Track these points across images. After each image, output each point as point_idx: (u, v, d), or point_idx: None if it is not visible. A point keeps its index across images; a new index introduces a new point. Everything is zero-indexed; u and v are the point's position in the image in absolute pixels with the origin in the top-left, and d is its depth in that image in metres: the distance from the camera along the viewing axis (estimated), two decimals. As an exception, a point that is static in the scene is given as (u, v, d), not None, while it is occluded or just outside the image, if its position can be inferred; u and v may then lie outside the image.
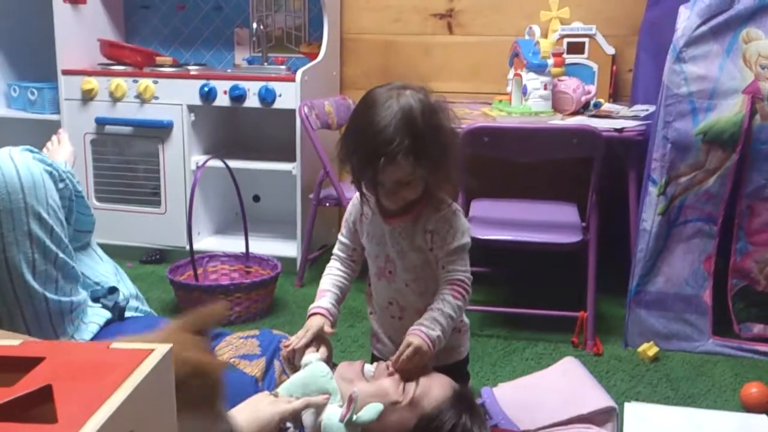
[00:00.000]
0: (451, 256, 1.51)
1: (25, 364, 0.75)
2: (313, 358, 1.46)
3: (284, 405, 1.33)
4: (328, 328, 1.54)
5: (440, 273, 1.51)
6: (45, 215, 1.51)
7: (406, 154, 1.38)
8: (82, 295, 1.64)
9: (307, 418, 1.39)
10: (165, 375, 0.80)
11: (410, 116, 1.39)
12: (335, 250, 1.70)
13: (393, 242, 1.54)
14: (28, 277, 1.50)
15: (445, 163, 1.44)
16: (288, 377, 1.51)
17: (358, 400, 1.34)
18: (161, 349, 0.80)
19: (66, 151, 1.98)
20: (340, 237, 1.69)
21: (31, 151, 1.57)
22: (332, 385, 1.39)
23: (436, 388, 1.39)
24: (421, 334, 1.42)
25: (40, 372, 0.74)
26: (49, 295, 1.53)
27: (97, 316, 1.67)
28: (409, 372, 1.40)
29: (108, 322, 1.68)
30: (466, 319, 1.67)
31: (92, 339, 1.61)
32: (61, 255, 1.55)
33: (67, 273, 1.58)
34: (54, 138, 2.04)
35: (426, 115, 1.41)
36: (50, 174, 1.56)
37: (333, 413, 1.35)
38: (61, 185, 1.59)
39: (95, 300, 1.71)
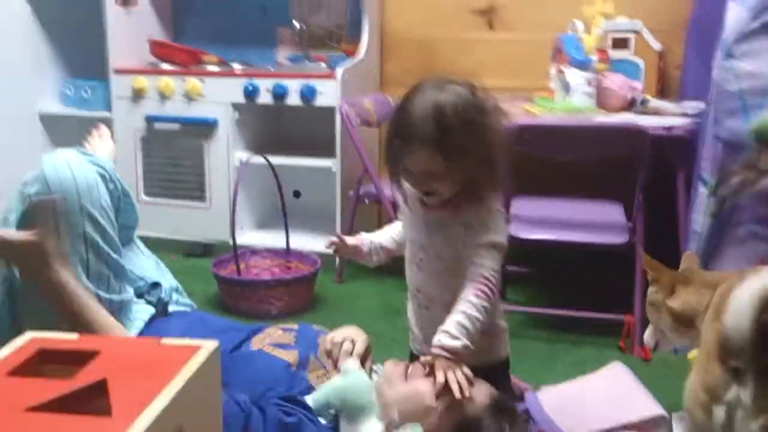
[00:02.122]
0: (481, 250, 1.48)
1: (81, 358, 0.78)
2: (354, 366, 1.45)
3: None
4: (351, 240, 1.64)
5: (468, 267, 1.48)
6: (98, 217, 1.56)
7: (429, 146, 1.39)
8: (130, 292, 1.68)
9: (344, 429, 1.38)
10: (213, 371, 0.81)
11: (442, 110, 1.39)
12: None
13: (428, 231, 1.54)
14: (83, 277, 1.54)
15: (484, 160, 1.43)
16: (324, 370, 1.52)
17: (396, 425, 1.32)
18: (209, 346, 0.82)
19: (108, 146, 2.00)
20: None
21: (85, 154, 1.62)
22: (371, 400, 1.37)
23: (475, 394, 1.35)
24: (441, 352, 1.38)
25: (95, 366, 0.76)
26: (101, 293, 1.57)
27: (141, 312, 1.71)
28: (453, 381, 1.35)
29: (152, 318, 1.71)
30: (503, 323, 1.64)
31: (138, 335, 1.64)
32: (113, 255, 1.60)
33: (117, 272, 1.62)
34: (95, 133, 2.04)
35: (461, 110, 1.40)
36: (102, 176, 1.60)
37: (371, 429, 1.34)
38: (111, 186, 1.64)
39: (139, 296, 1.75)
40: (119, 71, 3.11)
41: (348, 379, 1.42)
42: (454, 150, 1.40)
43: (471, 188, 1.47)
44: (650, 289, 1.60)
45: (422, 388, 1.36)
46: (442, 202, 1.50)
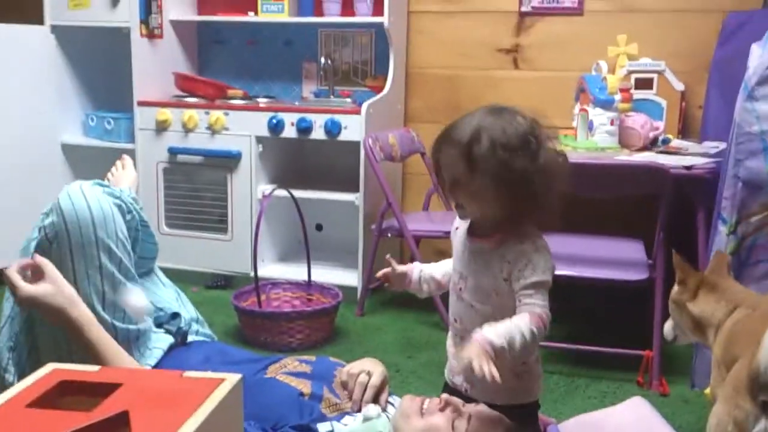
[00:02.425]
0: (528, 290, 1.45)
1: (103, 390, 0.79)
2: (375, 413, 1.45)
3: None
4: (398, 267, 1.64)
5: (518, 307, 1.46)
6: (114, 248, 1.57)
7: (456, 149, 1.42)
8: (148, 322, 1.69)
9: None
10: (235, 404, 0.82)
11: (483, 125, 1.42)
12: None
13: (470, 260, 1.53)
14: (98, 308, 1.56)
15: (526, 195, 1.41)
16: (337, 401, 1.52)
17: None
18: (232, 379, 0.83)
19: (130, 176, 2.04)
20: None
21: (101, 185, 1.63)
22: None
23: (488, 426, 1.36)
24: (481, 340, 1.36)
25: (117, 398, 0.78)
26: (117, 323, 1.58)
27: (160, 341, 1.72)
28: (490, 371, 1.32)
29: (171, 347, 1.72)
30: (539, 368, 1.60)
31: (156, 364, 1.65)
32: (128, 285, 1.61)
33: None
34: (118, 163, 2.09)
35: (504, 134, 1.41)
36: (119, 207, 1.62)
37: None
38: (128, 216, 1.65)
39: (158, 325, 1.76)
40: (143, 103, 3.17)
41: (368, 426, 1.42)
42: (482, 166, 1.39)
43: (513, 222, 1.46)
44: (676, 288, 1.69)
45: (438, 423, 1.35)
46: (487, 233, 1.50)
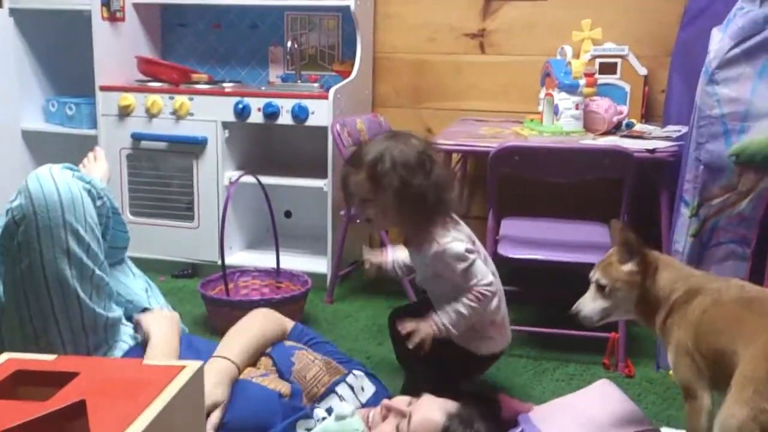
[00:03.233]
0: (461, 278, 1.78)
1: (59, 379, 0.78)
2: (348, 411, 1.49)
3: None
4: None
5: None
6: (82, 232, 1.55)
7: (363, 172, 1.72)
8: (117, 312, 1.67)
9: None
10: (196, 392, 0.82)
11: (385, 150, 1.71)
12: None
13: (413, 259, 1.90)
14: (68, 289, 1.53)
15: (425, 206, 1.71)
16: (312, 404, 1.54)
17: None
18: (192, 366, 0.83)
19: (102, 167, 2.02)
20: None
21: (71, 169, 1.61)
22: None
23: (432, 414, 1.43)
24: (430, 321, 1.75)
25: (74, 387, 0.76)
26: (84, 299, 1.55)
27: (128, 335, 1.70)
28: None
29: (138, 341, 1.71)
30: (504, 319, 1.94)
31: (123, 356, 1.63)
32: (97, 271, 1.59)
33: (102, 289, 1.61)
34: (90, 155, 2.08)
35: (400, 155, 1.70)
36: (89, 192, 1.59)
37: None
38: (99, 203, 1.63)
39: (128, 318, 1.74)
40: (105, 88, 3.11)
41: (341, 425, 1.45)
42: (385, 183, 1.69)
43: (417, 230, 1.79)
44: (628, 267, 1.61)
45: (384, 428, 1.44)
46: (412, 238, 1.84)
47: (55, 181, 1.53)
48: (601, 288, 1.64)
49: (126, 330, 1.70)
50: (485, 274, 1.79)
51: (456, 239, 1.77)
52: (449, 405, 1.46)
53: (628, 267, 1.61)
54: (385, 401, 1.50)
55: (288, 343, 1.72)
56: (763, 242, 2.16)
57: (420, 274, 1.90)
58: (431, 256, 1.78)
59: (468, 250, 1.77)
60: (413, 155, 1.70)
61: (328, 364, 1.66)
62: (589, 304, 1.67)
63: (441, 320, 1.75)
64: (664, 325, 1.56)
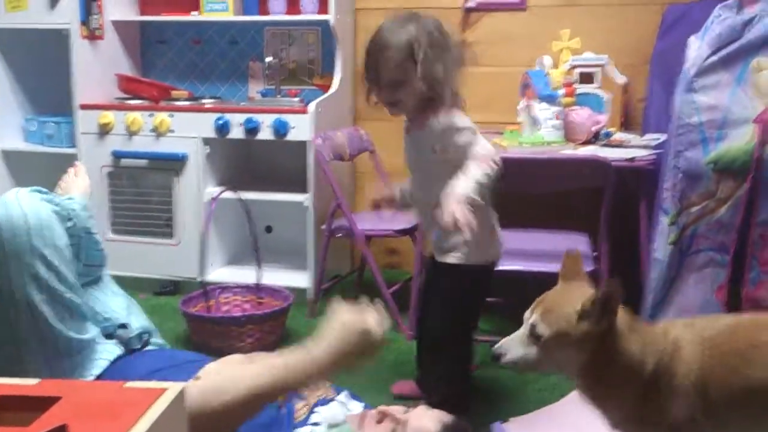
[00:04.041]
0: (464, 149, 1.82)
1: (41, 404, 0.77)
2: (340, 418, 1.49)
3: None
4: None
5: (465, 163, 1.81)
6: (51, 257, 1.53)
7: (397, 55, 1.81)
8: (92, 333, 1.65)
9: None
10: (178, 413, 0.81)
11: (411, 30, 1.83)
12: None
13: (413, 149, 1.96)
14: (36, 314, 1.51)
15: (439, 77, 1.81)
16: (304, 402, 1.53)
17: None
18: (174, 388, 0.82)
19: (83, 183, 2.00)
20: None
21: (40, 192, 1.59)
22: None
23: (426, 423, 1.41)
24: (458, 196, 1.69)
25: (56, 411, 0.75)
26: (55, 324, 1.53)
27: (106, 352, 1.68)
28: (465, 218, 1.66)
29: (117, 358, 1.68)
30: (497, 226, 1.99)
31: (101, 374, 1.61)
32: (67, 294, 1.56)
33: (75, 311, 1.59)
34: (71, 170, 2.05)
35: (425, 35, 1.82)
36: (57, 213, 1.58)
37: None
38: (69, 224, 1.61)
39: (108, 336, 1.72)
40: (85, 107, 3.09)
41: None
42: (420, 61, 1.78)
43: (432, 99, 1.84)
44: (584, 324, 1.28)
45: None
46: (416, 122, 1.89)
47: (21, 206, 1.51)
48: (536, 336, 1.32)
49: (104, 348, 1.68)
50: (490, 147, 1.84)
51: (463, 117, 1.88)
52: (444, 416, 1.45)
53: (586, 326, 1.27)
54: (382, 407, 1.48)
55: None
56: (742, 249, 2.18)
57: (419, 161, 1.94)
58: (440, 130, 1.84)
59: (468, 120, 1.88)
60: (436, 30, 1.84)
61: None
62: (516, 349, 1.35)
63: (464, 192, 1.70)
64: (645, 405, 1.27)
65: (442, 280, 1.99)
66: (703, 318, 1.40)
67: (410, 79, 1.81)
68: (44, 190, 1.63)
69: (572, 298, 1.32)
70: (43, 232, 1.52)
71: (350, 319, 1.30)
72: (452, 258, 1.94)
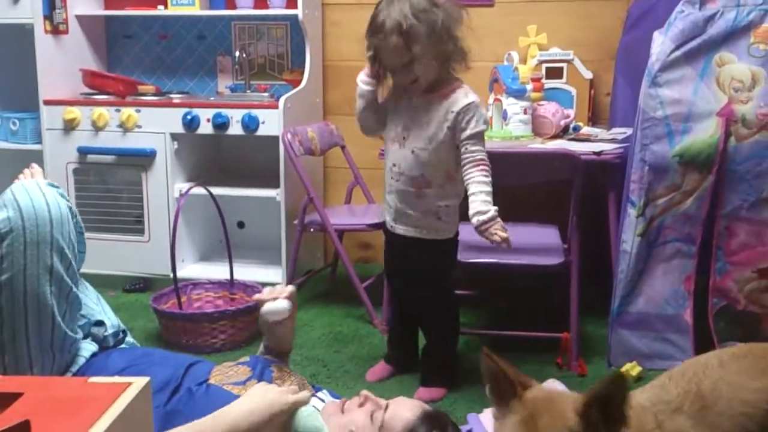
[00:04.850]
0: (473, 139, 1.93)
1: (3, 400, 0.76)
2: (310, 400, 1.48)
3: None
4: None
5: (462, 153, 1.94)
6: (66, 250, 1.53)
7: (397, 38, 1.86)
8: (80, 334, 1.64)
9: None
10: (143, 408, 0.80)
11: (402, 8, 1.87)
12: None
13: (415, 114, 1.98)
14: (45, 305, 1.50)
15: (447, 45, 1.92)
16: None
17: None
18: (139, 383, 0.81)
19: None
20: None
21: (53, 186, 1.58)
22: (319, 422, 1.40)
23: (404, 410, 1.44)
24: (484, 225, 1.89)
25: (18, 408, 0.74)
26: (58, 319, 1.52)
27: (83, 350, 1.66)
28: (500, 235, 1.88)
29: (92, 355, 1.67)
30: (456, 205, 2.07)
31: (77, 372, 1.60)
32: (74, 290, 1.56)
33: (75, 307, 1.59)
34: (27, 171, 1.99)
35: (418, 7, 1.87)
36: (70, 210, 1.58)
37: None
38: (74, 220, 1.61)
39: (85, 335, 1.71)
40: (50, 102, 3.04)
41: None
42: (415, 35, 1.85)
43: (445, 68, 1.94)
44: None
45: (356, 416, 1.44)
46: (434, 89, 1.95)
47: (45, 197, 1.51)
48: None
49: (83, 346, 1.67)
50: (484, 151, 1.96)
51: (484, 109, 1.99)
52: (425, 406, 1.49)
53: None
54: (364, 391, 1.50)
55: (265, 357, 1.71)
56: (708, 240, 2.22)
57: (416, 130, 1.98)
58: (462, 104, 1.92)
59: (486, 120, 1.99)
60: (422, 1, 1.89)
61: (301, 381, 1.66)
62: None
63: (494, 214, 1.90)
64: None
65: (432, 255, 2.10)
66: (654, 385, 1.32)
67: (415, 53, 1.87)
68: (56, 184, 1.61)
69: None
70: (63, 226, 1.52)
71: (275, 398, 1.38)
72: (443, 234, 2.09)
